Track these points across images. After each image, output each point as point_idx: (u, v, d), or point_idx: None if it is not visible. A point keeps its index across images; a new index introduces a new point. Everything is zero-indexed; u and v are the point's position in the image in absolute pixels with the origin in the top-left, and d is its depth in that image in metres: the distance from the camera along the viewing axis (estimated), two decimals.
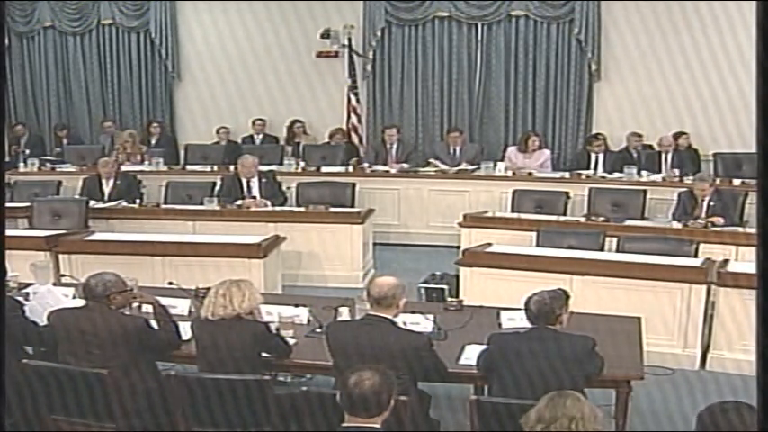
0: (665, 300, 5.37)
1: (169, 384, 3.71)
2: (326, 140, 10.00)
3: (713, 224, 6.71)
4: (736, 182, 7.83)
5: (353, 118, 9.96)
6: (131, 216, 7.57)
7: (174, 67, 10.84)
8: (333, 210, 7.44)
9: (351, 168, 8.92)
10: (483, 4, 9.92)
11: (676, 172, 8.16)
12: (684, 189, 7.33)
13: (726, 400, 2.78)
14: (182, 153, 10.16)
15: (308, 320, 4.51)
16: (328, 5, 10.08)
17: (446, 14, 10.05)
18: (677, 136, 9.07)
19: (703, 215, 6.93)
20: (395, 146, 9.23)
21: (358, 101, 10.03)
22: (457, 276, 5.98)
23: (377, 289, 3.72)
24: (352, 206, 7.83)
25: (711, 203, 6.98)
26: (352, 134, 9.94)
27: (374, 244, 7.63)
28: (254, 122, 10.40)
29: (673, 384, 5.11)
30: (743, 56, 9.01)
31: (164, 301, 4.29)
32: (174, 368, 4.17)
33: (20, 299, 4.46)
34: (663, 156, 8.57)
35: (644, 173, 8.25)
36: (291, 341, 4.15)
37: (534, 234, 6.42)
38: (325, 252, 7.15)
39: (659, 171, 8.37)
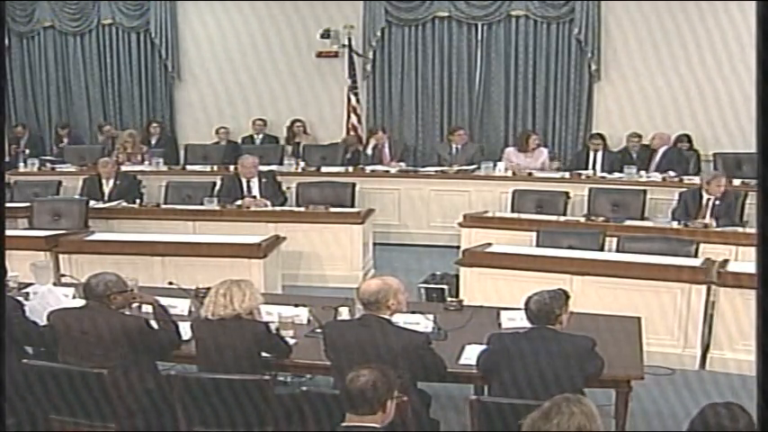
0: (665, 300, 5.38)
1: (169, 384, 3.71)
2: (336, 142, 9.96)
3: (716, 224, 6.69)
4: (736, 182, 7.80)
5: (353, 118, 9.97)
6: (131, 216, 7.57)
7: (174, 67, 10.84)
8: (333, 210, 7.43)
9: (351, 168, 8.92)
10: (483, 4, 9.92)
11: (671, 173, 8.15)
12: (685, 189, 7.32)
13: (721, 400, 2.78)
14: (182, 153, 10.18)
15: (308, 320, 4.51)
16: (328, 5, 10.08)
17: (446, 14, 10.04)
18: (680, 138, 9.10)
19: (707, 216, 6.84)
20: (386, 146, 9.24)
21: (358, 101, 10.04)
22: (457, 276, 5.98)
23: (362, 294, 3.77)
24: (352, 206, 7.84)
25: (716, 203, 6.92)
26: (352, 134, 9.94)
27: (374, 244, 7.62)
28: (254, 122, 10.41)
29: (673, 384, 5.11)
30: (743, 55, 9.01)
31: (164, 301, 4.29)
32: (174, 368, 4.17)
33: (20, 299, 4.46)
34: (653, 154, 8.53)
35: (643, 173, 8.25)
36: (291, 341, 4.16)
37: (534, 234, 6.41)
38: (325, 252, 7.15)
39: (647, 169, 8.38)
